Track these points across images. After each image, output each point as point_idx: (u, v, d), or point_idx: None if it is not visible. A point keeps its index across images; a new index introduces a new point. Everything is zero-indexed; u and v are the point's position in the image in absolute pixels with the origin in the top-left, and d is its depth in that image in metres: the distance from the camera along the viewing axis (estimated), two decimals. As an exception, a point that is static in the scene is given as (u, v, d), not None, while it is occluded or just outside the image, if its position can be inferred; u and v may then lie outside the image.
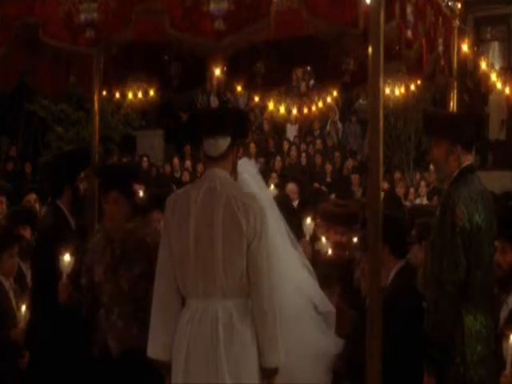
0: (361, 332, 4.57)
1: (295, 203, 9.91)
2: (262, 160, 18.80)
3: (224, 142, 4.70)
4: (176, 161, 18.80)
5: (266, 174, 18.09)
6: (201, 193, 4.66)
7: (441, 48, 5.91)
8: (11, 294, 6.29)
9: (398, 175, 17.42)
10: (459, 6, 6.54)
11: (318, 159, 18.59)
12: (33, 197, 9.16)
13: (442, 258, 4.72)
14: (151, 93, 8.41)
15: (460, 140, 4.98)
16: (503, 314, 5.33)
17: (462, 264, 4.72)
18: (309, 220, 6.98)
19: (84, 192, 6.33)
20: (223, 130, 4.71)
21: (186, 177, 17.73)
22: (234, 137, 4.77)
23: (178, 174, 18.62)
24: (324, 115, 17.93)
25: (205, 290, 4.60)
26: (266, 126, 20.36)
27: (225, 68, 7.12)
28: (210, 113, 5.52)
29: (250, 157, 19.00)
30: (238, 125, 4.87)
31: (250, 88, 7.89)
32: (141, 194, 9.88)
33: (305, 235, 6.88)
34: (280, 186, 13.08)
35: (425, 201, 15.55)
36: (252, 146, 19.38)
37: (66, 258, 5.60)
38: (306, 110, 12.45)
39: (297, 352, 4.75)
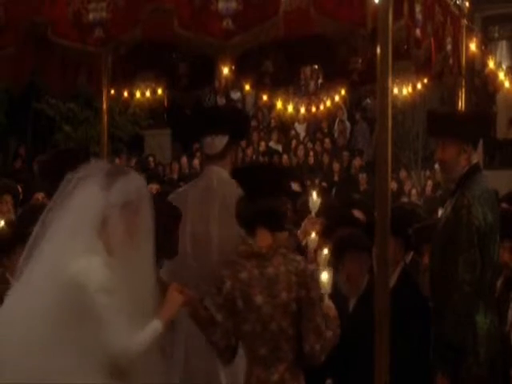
0: None
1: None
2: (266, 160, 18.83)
3: (221, 141, 4.73)
4: (184, 160, 18.82)
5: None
6: (198, 191, 4.68)
7: (449, 47, 5.90)
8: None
9: (403, 174, 17.43)
10: (467, 4, 6.53)
11: (325, 158, 18.58)
12: (41, 195, 9.17)
13: (456, 259, 4.69)
14: (159, 92, 8.41)
15: (471, 138, 4.97)
16: (511, 312, 5.33)
17: (479, 264, 4.70)
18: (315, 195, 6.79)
19: None
20: (219, 129, 4.72)
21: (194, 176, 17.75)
22: (232, 136, 4.78)
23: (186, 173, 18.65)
24: (332, 114, 17.91)
25: (202, 289, 4.61)
26: (274, 125, 20.37)
27: (233, 67, 7.12)
28: (207, 112, 5.52)
29: (258, 155, 19.08)
30: (236, 124, 4.89)
31: (259, 87, 7.88)
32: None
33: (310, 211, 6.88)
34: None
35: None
36: (262, 144, 19.41)
37: None
38: (314, 109, 12.42)
39: None
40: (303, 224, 6.98)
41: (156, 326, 3.74)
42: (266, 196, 4.11)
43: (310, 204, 6.77)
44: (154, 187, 10.88)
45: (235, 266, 4.17)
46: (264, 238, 4.18)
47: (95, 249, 3.72)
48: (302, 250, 6.42)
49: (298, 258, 4.23)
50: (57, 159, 6.65)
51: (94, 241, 3.73)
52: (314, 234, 6.45)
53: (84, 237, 3.73)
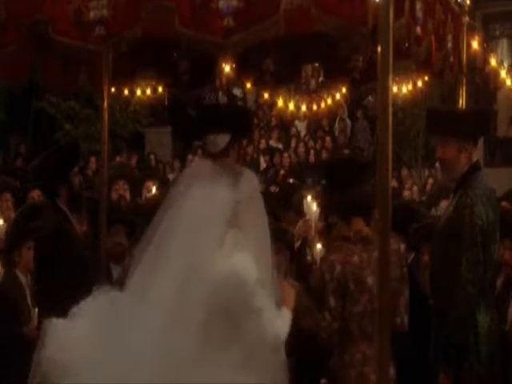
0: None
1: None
2: (267, 158, 18.82)
3: (223, 139, 4.74)
4: (190, 158, 18.82)
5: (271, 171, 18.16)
6: None
7: (450, 45, 5.89)
8: (27, 291, 6.28)
9: (405, 172, 17.43)
10: (468, 2, 6.52)
11: (326, 156, 18.57)
12: (37, 193, 9.15)
13: (459, 258, 4.68)
14: (160, 90, 8.41)
15: (471, 137, 4.96)
16: (511, 311, 5.33)
17: (481, 263, 4.69)
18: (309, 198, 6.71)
19: (79, 186, 6.30)
20: (222, 127, 4.75)
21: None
22: (235, 134, 4.80)
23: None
24: (333, 112, 17.91)
25: None
26: (275, 123, 20.36)
27: (234, 65, 7.12)
28: (209, 110, 5.55)
29: (259, 154, 19.07)
30: (239, 122, 4.90)
31: (260, 85, 7.89)
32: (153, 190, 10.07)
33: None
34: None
35: (433, 198, 15.49)
36: (263, 142, 19.40)
37: None
38: (314, 107, 12.42)
39: None
40: (297, 226, 6.93)
41: (288, 314, 3.91)
42: (356, 187, 4.40)
43: (305, 207, 6.72)
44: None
45: (344, 251, 4.56)
46: (361, 225, 4.63)
47: (240, 245, 3.82)
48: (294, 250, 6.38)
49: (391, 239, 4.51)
50: (48, 162, 6.64)
51: (237, 237, 3.84)
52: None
53: (227, 235, 3.83)
